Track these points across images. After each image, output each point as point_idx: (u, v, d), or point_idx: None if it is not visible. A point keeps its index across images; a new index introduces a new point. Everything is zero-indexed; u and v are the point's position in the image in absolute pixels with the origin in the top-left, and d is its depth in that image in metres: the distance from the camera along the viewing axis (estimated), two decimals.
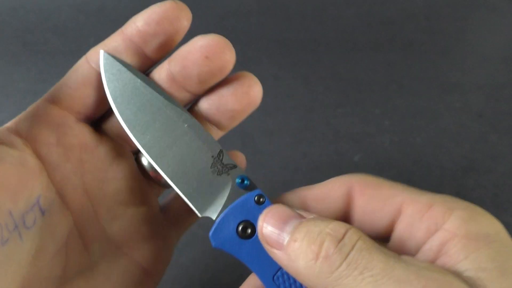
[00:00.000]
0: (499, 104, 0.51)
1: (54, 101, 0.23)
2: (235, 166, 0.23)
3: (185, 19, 0.23)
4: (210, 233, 0.21)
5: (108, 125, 0.24)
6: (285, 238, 0.19)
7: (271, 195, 0.23)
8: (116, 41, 0.22)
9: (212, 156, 0.22)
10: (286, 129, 0.48)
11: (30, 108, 0.23)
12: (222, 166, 0.22)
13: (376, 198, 0.21)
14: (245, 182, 0.22)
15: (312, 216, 0.19)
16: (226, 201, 0.22)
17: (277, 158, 0.45)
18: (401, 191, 0.21)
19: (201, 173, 0.22)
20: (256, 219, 0.21)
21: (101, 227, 0.23)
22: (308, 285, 0.18)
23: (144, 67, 0.23)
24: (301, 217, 0.19)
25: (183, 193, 0.22)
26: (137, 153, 0.25)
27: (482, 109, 0.50)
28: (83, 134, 0.23)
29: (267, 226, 0.20)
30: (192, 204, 0.22)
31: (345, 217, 0.22)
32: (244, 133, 0.49)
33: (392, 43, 0.58)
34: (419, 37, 0.58)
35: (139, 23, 0.21)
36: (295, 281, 0.21)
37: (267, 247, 0.20)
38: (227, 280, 0.39)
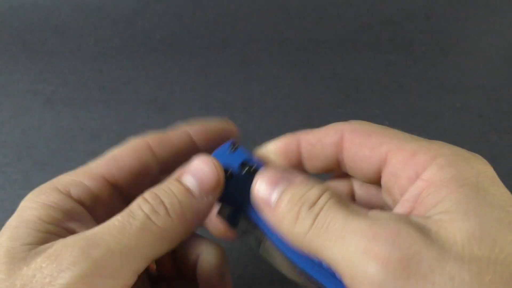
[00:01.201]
0: (499, 104, 0.51)
1: None
2: None
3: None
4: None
5: None
6: (274, 199, 0.20)
7: None
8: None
9: None
10: (286, 129, 0.48)
11: None
12: None
13: (364, 146, 0.22)
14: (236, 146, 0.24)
15: (298, 179, 0.21)
16: None
17: None
18: (389, 139, 0.21)
19: None
20: (230, 164, 0.24)
21: None
22: (294, 245, 0.20)
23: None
24: (290, 179, 0.21)
25: None
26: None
27: (482, 109, 0.50)
28: None
29: (259, 188, 0.21)
30: None
31: (337, 162, 0.23)
32: (244, 133, 0.49)
33: (392, 43, 0.58)
34: (419, 37, 0.58)
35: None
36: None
37: (259, 207, 0.21)
38: None
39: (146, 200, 0.21)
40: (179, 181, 0.22)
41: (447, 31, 0.59)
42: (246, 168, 0.24)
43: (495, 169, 0.20)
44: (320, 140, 0.23)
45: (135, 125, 0.49)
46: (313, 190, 0.20)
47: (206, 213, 0.22)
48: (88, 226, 0.22)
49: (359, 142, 0.22)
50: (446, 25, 0.60)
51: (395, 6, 0.61)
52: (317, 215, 0.19)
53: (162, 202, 0.21)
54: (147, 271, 0.27)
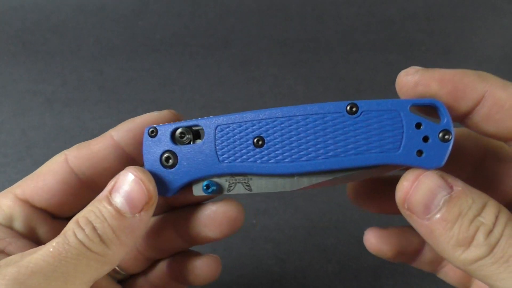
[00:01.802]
0: None
1: None
2: None
3: None
4: None
5: None
6: (432, 211, 0.18)
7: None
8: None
9: None
10: None
11: None
12: None
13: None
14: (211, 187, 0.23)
15: (459, 187, 0.18)
16: None
17: None
18: None
19: None
20: (166, 147, 0.23)
21: None
22: (442, 255, 0.18)
23: None
24: (449, 186, 0.18)
25: None
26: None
27: None
28: None
29: (417, 193, 0.19)
30: None
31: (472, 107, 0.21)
32: None
33: (392, 43, 0.58)
34: (419, 37, 0.58)
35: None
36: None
37: (405, 212, 0.19)
38: (226, 280, 0.39)
39: (79, 225, 0.20)
40: (109, 201, 0.21)
41: (447, 31, 0.59)
42: (185, 139, 0.23)
43: None
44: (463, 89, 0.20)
45: None
46: (488, 208, 0.18)
47: (141, 229, 0.21)
48: (16, 243, 0.22)
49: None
50: (446, 25, 0.60)
51: (395, 6, 0.61)
52: (496, 244, 0.17)
53: (95, 229, 0.20)
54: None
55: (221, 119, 0.22)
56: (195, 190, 0.23)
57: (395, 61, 0.55)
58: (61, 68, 0.55)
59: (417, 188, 0.19)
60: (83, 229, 0.20)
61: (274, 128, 0.21)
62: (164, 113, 0.24)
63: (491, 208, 0.18)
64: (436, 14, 0.61)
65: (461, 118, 0.21)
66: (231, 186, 0.23)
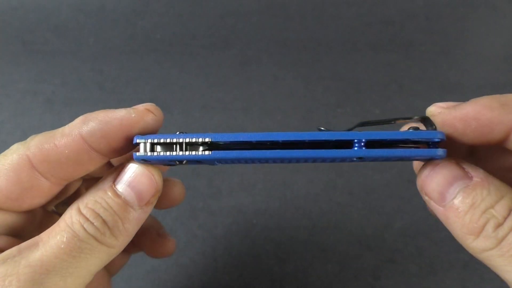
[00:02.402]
0: None
1: None
2: None
3: None
4: None
5: None
6: (448, 198, 0.19)
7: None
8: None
9: None
10: (286, 129, 0.48)
11: None
12: None
13: None
14: None
15: (478, 178, 0.19)
16: None
17: None
18: None
19: None
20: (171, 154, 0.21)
21: None
22: (458, 240, 0.19)
23: None
24: (468, 177, 0.19)
25: None
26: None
27: None
28: None
29: (432, 181, 0.20)
30: None
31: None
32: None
33: (392, 43, 0.58)
34: (419, 37, 0.58)
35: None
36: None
37: (424, 197, 0.20)
38: (226, 280, 0.39)
39: (86, 219, 0.20)
40: (115, 193, 0.20)
41: (447, 31, 0.59)
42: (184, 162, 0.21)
43: None
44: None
45: None
46: (503, 202, 0.18)
47: (144, 219, 0.22)
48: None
49: None
50: (446, 25, 0.60)
51: (395, 6, 0.61)
52: (504, 237, 0.18)
53: (105, 222, 0.20)
54: None
55: (220, 156, 0.20)
56: None
57: (395, 61, 0.55)
58: (61, 68, 0.55)
59: (433, 177, 0.20)
60: (92, 223, 0.20)
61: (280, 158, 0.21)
62: (141, 114, 0.22)
63: (506, 202, 0.18)
64: (436, 14, 0.61)
65: (496, 144, 0.21)
66: None
